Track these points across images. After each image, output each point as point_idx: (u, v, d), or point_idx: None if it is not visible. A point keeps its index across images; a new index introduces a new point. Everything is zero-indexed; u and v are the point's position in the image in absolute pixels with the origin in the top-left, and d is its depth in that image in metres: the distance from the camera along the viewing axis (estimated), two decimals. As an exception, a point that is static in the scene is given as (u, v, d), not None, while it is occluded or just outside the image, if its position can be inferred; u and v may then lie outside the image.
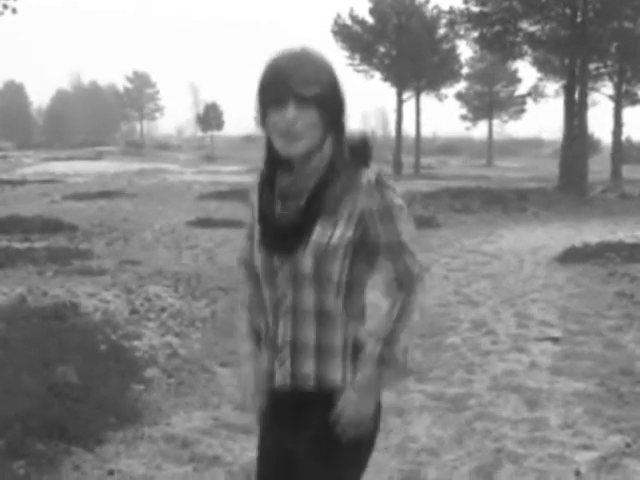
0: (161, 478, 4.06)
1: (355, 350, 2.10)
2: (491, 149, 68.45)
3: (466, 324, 7.84)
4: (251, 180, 2.24)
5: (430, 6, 46.17)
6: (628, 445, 4.49)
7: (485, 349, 6.83)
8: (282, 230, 2.05)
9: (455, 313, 8.38)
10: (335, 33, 45.70)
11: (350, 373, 2.09)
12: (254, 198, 2.18)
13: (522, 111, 69.51)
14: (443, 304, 8.89)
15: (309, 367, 2.08)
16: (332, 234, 2.02)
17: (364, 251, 2.06)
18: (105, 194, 24.22)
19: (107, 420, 4.67)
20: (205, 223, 16.73)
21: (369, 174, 2.04)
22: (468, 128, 71.84)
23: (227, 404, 5.25)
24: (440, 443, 4.59)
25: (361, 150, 2.10)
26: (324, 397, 2.09)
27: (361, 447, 2.14)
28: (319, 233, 2.02)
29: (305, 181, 2.05)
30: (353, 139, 2.10)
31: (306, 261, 2.02)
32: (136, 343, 6.45)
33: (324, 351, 2.08)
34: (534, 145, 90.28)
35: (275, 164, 2.10)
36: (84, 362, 5.47)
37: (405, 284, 2.07)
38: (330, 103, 2.03)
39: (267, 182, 2.13)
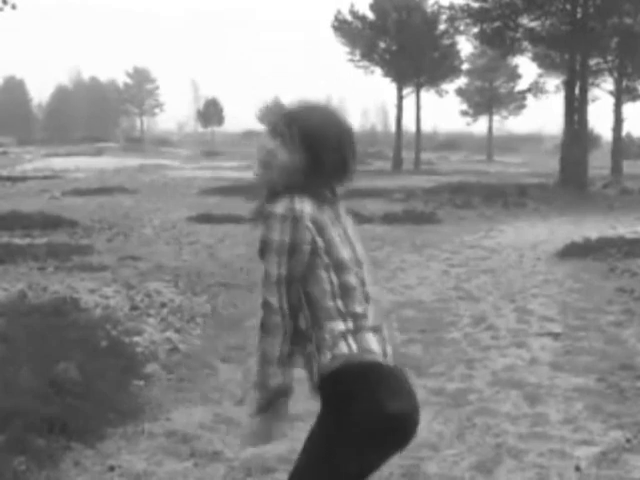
0: (162, 474, 4.06)
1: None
2: (491, 145, 68.39)
3: (466, 319, 7.84)
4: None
5: (430, 2, 46.05)
6: (628, 440, 4.50)
7: (485, 344, 6.84)
8: None
9: (455, 308, 8.39)
10: (335, 29, 45.67)
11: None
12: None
13: (522, 107, 69.50)
14: (443, 299, 8.90)
15: None
16: None
17: None
18: (105, 190, 24.21)
19: (107, 416, 4.67)
20: (206, 219, 16.72)
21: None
22: (468, 124, 71.82)
23: (228, 400, 5.25)
24: (441, 438, 4.59)
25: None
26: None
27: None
28: None
29: None
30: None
31: None
32: (136, 339, 6.45)
33: None
34: (534, 141, 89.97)
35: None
36: (85, 358, 5.47)
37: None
38: None
39: None
